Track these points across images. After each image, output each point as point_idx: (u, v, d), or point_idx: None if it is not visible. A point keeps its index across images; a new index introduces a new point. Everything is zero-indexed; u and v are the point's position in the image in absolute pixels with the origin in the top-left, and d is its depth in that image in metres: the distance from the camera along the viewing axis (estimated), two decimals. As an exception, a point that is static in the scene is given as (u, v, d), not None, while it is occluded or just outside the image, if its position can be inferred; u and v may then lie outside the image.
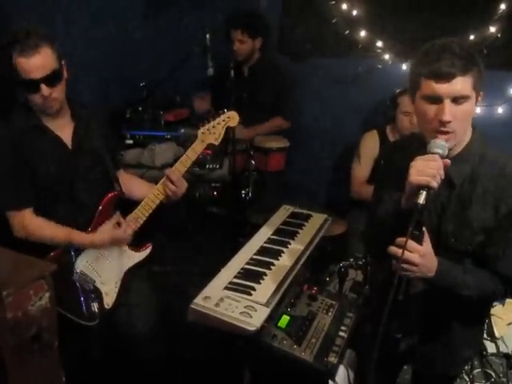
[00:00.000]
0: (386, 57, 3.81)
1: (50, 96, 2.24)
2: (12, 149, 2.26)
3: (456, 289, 1.82)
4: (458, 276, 1.81)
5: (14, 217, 2.33)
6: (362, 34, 3.78)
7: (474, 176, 1.80)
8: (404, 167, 1.75)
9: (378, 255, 2.14)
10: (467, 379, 2.93)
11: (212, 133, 2.44)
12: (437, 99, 1.67)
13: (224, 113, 2.46)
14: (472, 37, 3.50)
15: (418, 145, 1.83)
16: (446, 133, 1.69)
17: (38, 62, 2.18)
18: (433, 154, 1.67)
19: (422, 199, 1.61)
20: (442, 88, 1.65)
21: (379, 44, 3.79)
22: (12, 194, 2.31)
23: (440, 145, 1.68)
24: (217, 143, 2.47)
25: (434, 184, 1.62)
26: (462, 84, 1.64)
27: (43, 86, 2.20)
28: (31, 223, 2.33)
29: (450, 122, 1.67)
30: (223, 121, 2.45)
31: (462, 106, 1.67)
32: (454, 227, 1.83)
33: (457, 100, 1.66)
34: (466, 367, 2.92)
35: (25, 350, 1.77)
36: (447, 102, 1.66)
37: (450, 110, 1.66)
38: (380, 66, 3.88)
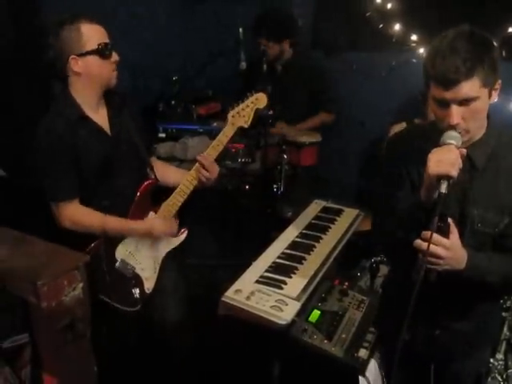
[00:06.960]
0: (421, 50, 3.75)
1: (116, 63, 2.31)
2: (62, 141, 2.25)
3: (483, 278, 1.82)
4: (485, 265, 1.80)
5: (62, 208, 2.31)
6: (397, 27, 3.74)
7: (495, 157, 1.80)
8: (413, 158, 1.81)
9: (396, 253, 2.12)
10: (500, 379, 2.88)
11: (242, 116, 2.44)
12: (444, 103, 1.67)
13: (252, 95, 2.47)
14: (511, 29, 3.44)
15: (430, 134, 1.82)
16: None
17: (103, 29, 2.27)
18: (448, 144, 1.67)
19: (443, 188, 1.60)
20: (447, 94, 1.64)
21: (414, 37, 3.73)
22: (62, 186, 2.29)
23: (454, 136, 1.67)
24: (247, 126, 2.47)
25: (454, 173, 1.62)
26: (467, 88, 1.62)
27: (113, 51, 2.28)
28: (78, 213, 2.33)
29: (458, 124, 1.67)
30: (252, 103, 2.45)
31: (470, 106, 1.66)
32: (478, 211, 1.82)
33: (464, 102, 1.65)
34: (499, 367, 2.88)
35: (58, 338, 1.81)
36: (454, 107, 1.65)
37: (457, 114, 1.65)
38: (415, 60, 3.83)
